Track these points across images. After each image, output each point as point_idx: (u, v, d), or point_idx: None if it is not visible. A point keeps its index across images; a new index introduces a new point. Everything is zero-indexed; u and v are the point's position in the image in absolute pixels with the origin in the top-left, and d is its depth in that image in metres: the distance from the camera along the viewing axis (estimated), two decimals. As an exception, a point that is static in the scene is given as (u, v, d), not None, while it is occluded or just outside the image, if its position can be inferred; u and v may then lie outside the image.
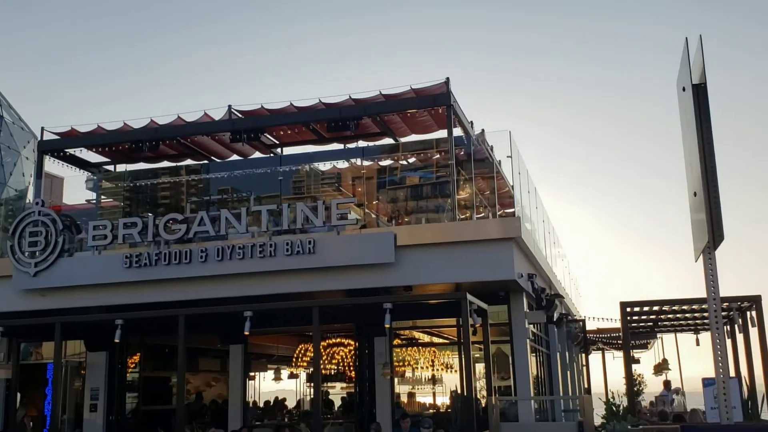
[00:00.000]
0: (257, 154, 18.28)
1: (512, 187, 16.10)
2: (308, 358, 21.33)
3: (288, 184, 16.58)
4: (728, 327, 14.20)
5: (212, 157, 18.37)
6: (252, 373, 19.77)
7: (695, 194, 4.18)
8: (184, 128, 16.91)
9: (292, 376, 23.65)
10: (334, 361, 20.35)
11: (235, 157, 18.33)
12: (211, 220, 14.16)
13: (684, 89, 4.29)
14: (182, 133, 17.00)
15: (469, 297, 11.08)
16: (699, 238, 4.20)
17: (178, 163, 18.53)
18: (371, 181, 16.39)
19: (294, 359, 21.90)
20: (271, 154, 18.21)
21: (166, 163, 18.57)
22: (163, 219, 14.53)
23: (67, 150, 17.60)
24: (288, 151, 18.11)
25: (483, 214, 15.93)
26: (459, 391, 15.18)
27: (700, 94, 4.05)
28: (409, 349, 17.71)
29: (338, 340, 19.65)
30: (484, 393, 13.47)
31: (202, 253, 14.02)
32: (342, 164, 17.00)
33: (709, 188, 3.89)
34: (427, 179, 16.20)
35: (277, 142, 17.93)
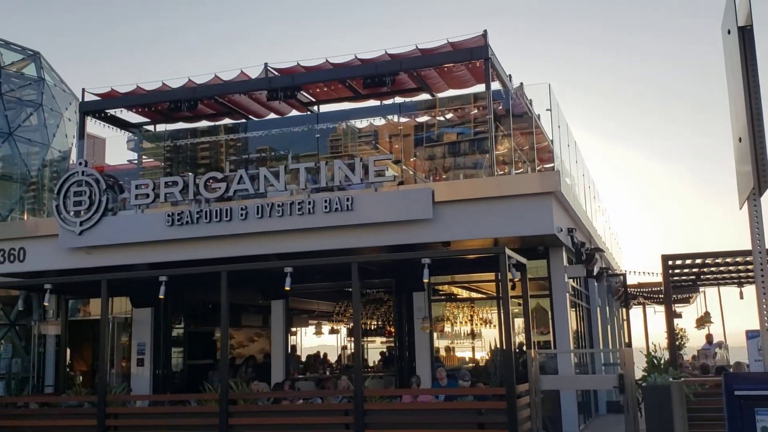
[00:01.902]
0: (294, 113, 18.33)
1: (551, 141, 15.93)
2: (348, 314, 21.59)
3: (325, 142, 16.63)
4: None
5: (250, 116, 18.46)
6: (293, 329, 20.08)
7: (740, 140, 4.09)
8: (222, 87, 16.99)
9: (332, 331, 23.97)
10: (374, 317, 20.57)
11: (272, 115, 18.40)
12: (250, 178, 14.29)
13: (729, 32, 4.17)
14: (219, 92, 17.09)
15: (508, 252, 11.04)
16: (744, 185, 4.12)
17: (217, 123, 18.68)
18: (408, 138, 16.36)
19: (334, 315, 22.18)
20: (308, 112, 18.25)
21: (204, 123, 18.74)
22: (203, 178, 14.71)
23: (107, 111, 17.84)
24: (324, 108, 18.12)
25: (522, 170, 15.82)
26: (498, 345, 15.27)
27: (745, 37, 3.94)
28: (447, 304, 17.82)
29: (378, 295, 19.81)
30: (524, 347, 13.55)
31: (242, 211, 14.19)
32: (379, 121, 16.99)
33: (754, 133, 3.80)
34: (464, 135, 16.10)
35: (314, 100, 17.93)
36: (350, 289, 16.51)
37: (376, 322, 20.69)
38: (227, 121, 18.59)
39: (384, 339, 21.22)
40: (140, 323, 17.36)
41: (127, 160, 18.89)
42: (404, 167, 15.81)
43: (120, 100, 17.53)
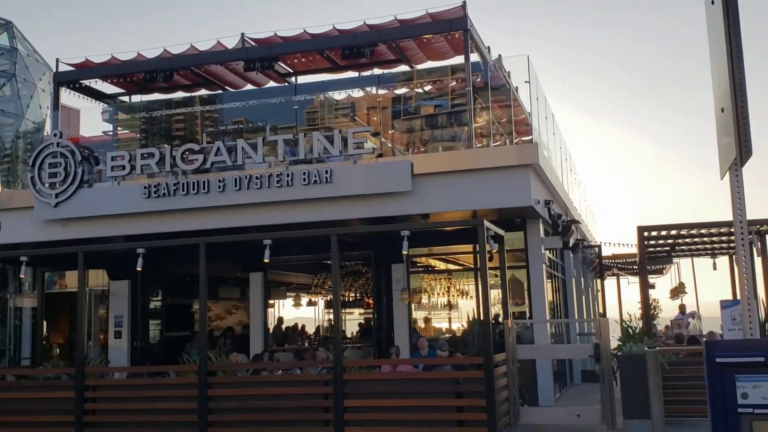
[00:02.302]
0: (271, 84, 18.19)
1: (529, 114, 15.98)
2: (327, 286, 21.66)
3: (302, 114, 16.55)
4: (745, 251, 14.22)
5: (226, 87, 18.30)
6: (271, 301, 20.14)
7: (722, 110, 4.14)
8: (198, 57, 16.81)
9: (310, 303, 24.06)
10: (352, 288, 20.67)
11: (249, 86, 18.24)
12: (227, 150, 14.21)
13: (713, 2, 4.20)
14: (195, 62, 16.91)
15: (486, 223, 11.12)
16: (726, 155, 4.18)
17: (192, 94, 18.49)
18: (386, 110, 16.33)
19: (312, 287, 22.26)
20: (286, 84, 18.12)
21: (180, 94, 18.54)
22: (180, 149, 14.59)
23: (82, 81, 17.58)
24: (302, 80, 18.01)
25: (499, 143, 15.88)
26: (475, 316, 15.44)
27: (729, 6, 3.96)
28: (425, 276, 17.95)
29: (356, 267, 19.89)
30: (500, 318, 13.70)
31: (220, 183, 14.12)
32: (357, 93, 16.93)
33: (737, 102, 3.84)
34: (442, 108, 16.10)
35: (291, 71, 17.79)
36: (329, 262, 16.58)
37: (354, 294, 20.80)
38: (203, 92, 18.42)
39: (362, 311, 21.36)
40: (117, 295, 17.28)
41: (102, 132, 18.67)
42: (383, 140, 15.80)
43: (95, 70, 17.28)
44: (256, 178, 13.96)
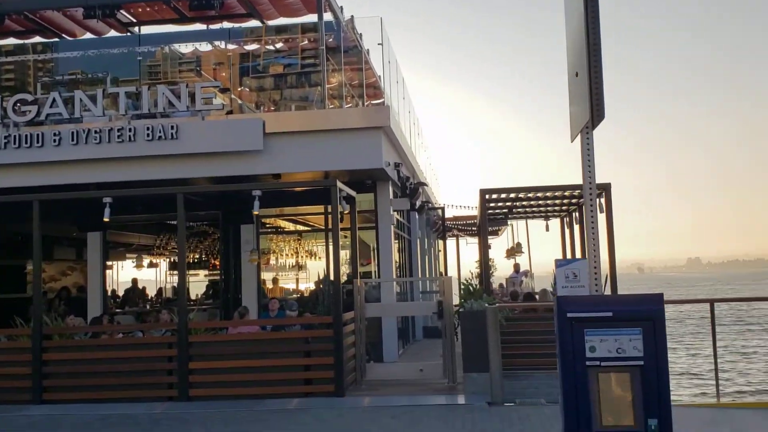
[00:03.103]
0: (113, 33, 17.20)
1: (380, 77, 16.14)
2: (170, 247, 21.06)
3: (143, 66, 15.80)
4: (577, 213, 15.24)
5: (63, 35, 17.12)
6: (109, 262, 19.31)
7: (576, 74, 4.35)
8: (32, 2, 15.59)
9: (151, 265, 23.33)
10: (197, 250, 20.24)
11: (88, 35, 17.15)
12: (63, 102, 13.36)
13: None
14: (30, 6, 15.68)
15: (339, 184, 11.22)
16: (577, 119, 4.41)
17: (26, 41, 17.16)
18: (235, 67, 15.92)
19: (155, 248, 21.55)
20: (128, 34, 17.19)
21: (12, 41, 17.16)
22: (11, 100, 13.56)
23: None
24: (146, 30, 17.14)
25: (351, 105, 15.95)
26: (325, 276, 15.59)
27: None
28: (274, 237, 17.87)
29: (202, 228, 19.47)
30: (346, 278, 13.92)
31: (56, 137, 13.28)
32: (205, 47, 16.36)
33: (591, 66, 4.05)
34: (292, 67, 15.90)
35: (135, 21, 16.92)
36: (173, 222, 16.08)
37: (199, 256, 20.38)
38: (38, 39, 17.13)
39: (207, 272, 20.98)
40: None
41: None
42: (232, 96, 15.43)
43: None
44: (95, 132, 13.23)
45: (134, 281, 20.92)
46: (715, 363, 10.55)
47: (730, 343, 25.93)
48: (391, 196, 14.69)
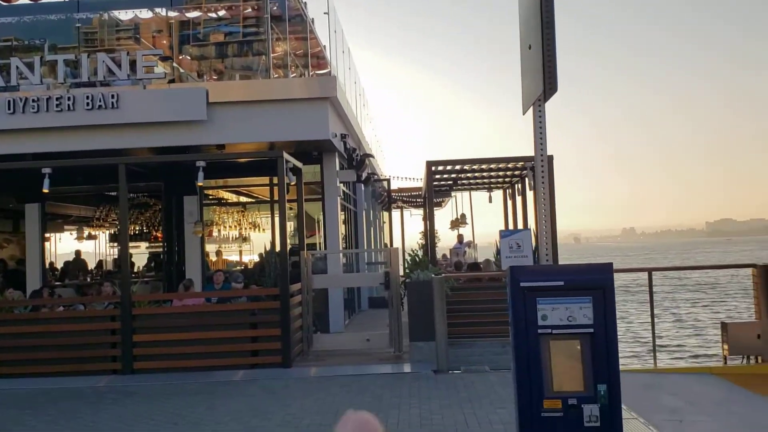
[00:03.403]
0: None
1: (325, 47, 15.99)
2: (110, 219, 20.64)
3: (79, 34, 15.28)
4: (519, 185, 15.49)
5: (-4, -1, 16.42)
6: (48, 234, 18.82)
7: (530, 47, 4.41)
8: (-40, -37, 14.89)
9: (90, 237, 22.84)
10: (138, 221, 19.88)
11: (23, 0, 16.49)
12: (-2, 69, 12.88)
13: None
14: (-43, -32, 14.97)
15: (285, 156, 11.14)
16: (530, 91, 4.47)
17: (-47, 4, 16.40)
18: (175, 35, 15.53)
19: (95, 220, 21.09)
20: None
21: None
22: (-59, 66, 13.01)
23: None
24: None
25: (295, 75, 15.77)
26: (270, 248, 15.52)
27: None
28: (218, 208, 17.67)
29: (143, 199, 19.12)
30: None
31: (-9, 106, 12.80)
32: (145, 14, 15.91)
33: (544, 39, 4.10)
34: (233, 35, 15.60)
35: (72, -14, 16.30)
36: (113, 193, 15.75)
37: (140, 227, 20.03)
38: (-34, 2, 16.39)
39: (149, 244, 20.65)
40: None
41: None
42: (174, 65, 15.08)
43: None
44: (33, 101, 12.81)
45: (78, 253, 20.49)
46: (653, 330, 10.94)
47: (665, 311, 26.84)
48: (337, 167, 14.66)
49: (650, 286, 10.79)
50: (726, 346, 10.37)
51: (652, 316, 10.89)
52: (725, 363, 10.54)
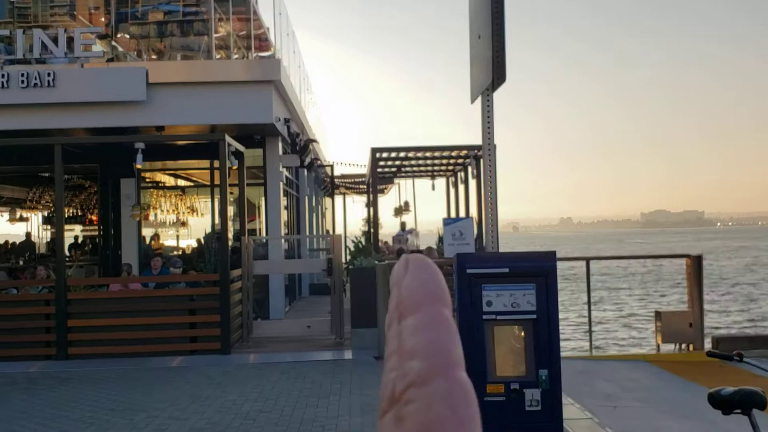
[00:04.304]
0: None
1: (268, 29, 15.77)
2: (44, 201, 20.05)
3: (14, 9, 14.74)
4: (462, 173, 15.61)
5: None
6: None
7: (479, 37, 4.41)
8: None
9: (21, 219, 22.16)
10: (72, 204, 19.36)
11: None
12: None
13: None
14: None
15: (228, 139, 10.96)
16: (479, 80, 4.47)
17: None
18: (113, 12, 15.10)
19: (27, 201, 20.46)
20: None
21: None
22: None
23: None
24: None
25: (237, 56, 15.53)
26: (210, 233, 15.29)
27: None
28: (156, 191, 17.31)
29: (78, 181, 18.61)
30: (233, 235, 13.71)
31: None
32: (82, -11, 15.43)
33: (494, 29, 4.11)
34: (173, 14, 15.26)
35: (4, -42, 15.68)
36: (48, 174, 15.28)
37: (75, 210, 19.51)
38: None
39: (83, 227, 20.13)
40: None
41: None
42: (113, 44, 14.68)
43: None
44: (-36, 77, 12.30)
45: (28, 235, 19.98)
46: (589, 318, 11.18)
47: (601, 299, 27.48)
48: (280, 152, 14.50)
49: (588, 274, 11.01)
50: (659, 334, 10.66)
51: (589, 304, 11.12)
52: (658, 350, 10.85)
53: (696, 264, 10.73)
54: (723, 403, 4.01)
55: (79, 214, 19.88)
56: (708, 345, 10.59)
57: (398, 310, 0.51)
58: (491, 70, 4.07)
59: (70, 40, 12.42)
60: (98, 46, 13.18)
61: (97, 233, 16.94)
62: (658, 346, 10.85)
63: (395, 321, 0.51)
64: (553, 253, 4.27)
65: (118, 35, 15.14)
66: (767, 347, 10.06)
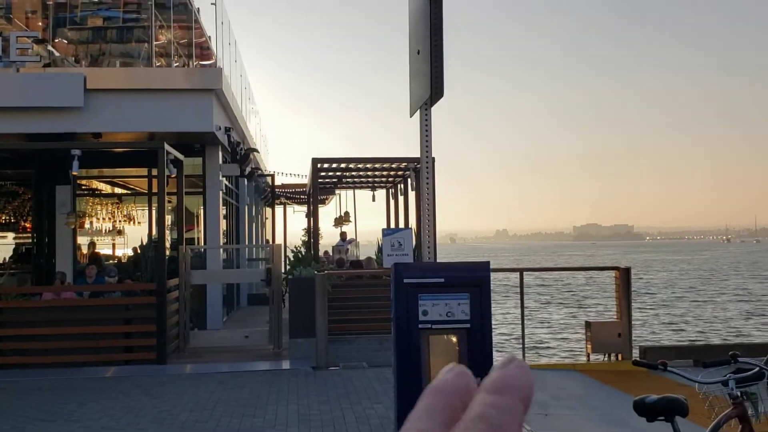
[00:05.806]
0: None
1: (210, 38, 15.71)
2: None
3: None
4: (402, 185, 15.80)
5: None
6: None
7: (418, 52, 4.54)
8: None
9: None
10: (5, 211, 18.83)
11: None
12: None
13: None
14: None
15: (167, 147, 10.90)
16: (417, 95, 4.60)
17: None
18: (51, 17, 14.84)
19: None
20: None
21: None
22: None
23: None
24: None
25: (178, 64, 15.43)
26: (147, 242, 15.10)
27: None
28: (92, 199, 17.01)
29: (11, 188, 18.11)
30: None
31: None
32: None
33: (432, 45, 4.24)
34: (113, 21, 15.10)
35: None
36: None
37: (8, 217, 18.98)
38: None
39: (16, 234, 19.59)
40: None
41: None
42: (50, 49, 14.40)
43: None
44: None
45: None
46: (522, 328, 11.44)
47: (534, 310, 28.02)
48: (220, 161, 14.45)
49: (521, 285, 11.27)
50: (589, 344, 10.99)
51: (522, 314, 11.39)
52: (588, 360, 11.17)
53: (624, 276, 11.11)
54: (647, 410, 4.23)
55: (12, 221, 19.33)
56: (636, 355, 10.97)
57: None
58: (429, 85, 4.22)
59: (6, 44, 12.18)
60: (35, 50, 12.93)
61: (30, 241, 16.53)
62: (588, 355, 11.17)
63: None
64: (487, 263, 4.42)
65: (56, 40, 14.87)
66: (691, 357, 10.46)
